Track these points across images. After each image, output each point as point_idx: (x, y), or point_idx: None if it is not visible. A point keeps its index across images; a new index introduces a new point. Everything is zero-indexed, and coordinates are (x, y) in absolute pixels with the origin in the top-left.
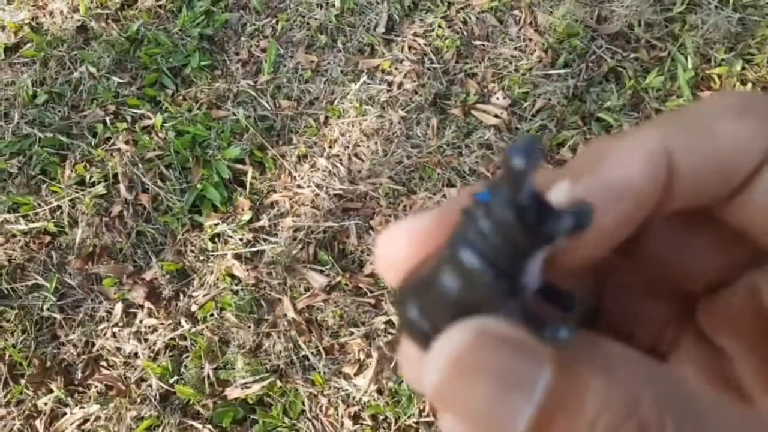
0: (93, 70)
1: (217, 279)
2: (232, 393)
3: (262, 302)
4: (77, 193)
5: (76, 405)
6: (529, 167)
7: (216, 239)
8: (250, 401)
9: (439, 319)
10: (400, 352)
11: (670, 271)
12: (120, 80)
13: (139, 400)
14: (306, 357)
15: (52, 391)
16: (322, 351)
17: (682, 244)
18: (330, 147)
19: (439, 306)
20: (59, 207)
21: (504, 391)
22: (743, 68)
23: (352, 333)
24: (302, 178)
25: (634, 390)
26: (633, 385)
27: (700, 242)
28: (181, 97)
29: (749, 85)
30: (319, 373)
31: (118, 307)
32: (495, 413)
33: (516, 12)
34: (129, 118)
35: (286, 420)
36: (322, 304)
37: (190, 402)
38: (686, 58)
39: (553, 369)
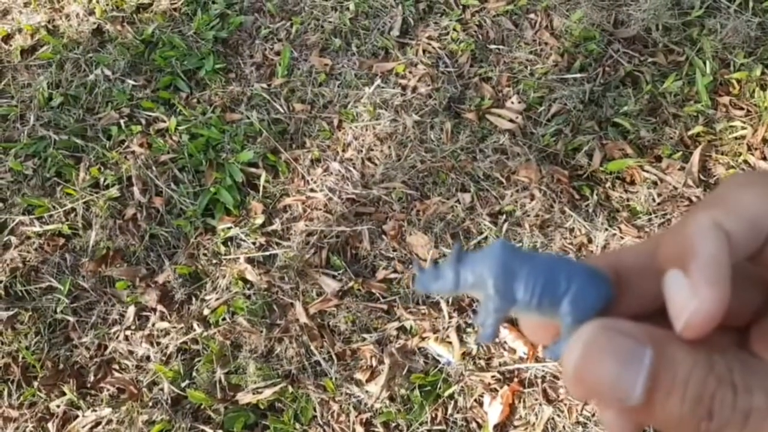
0: (108, 72)
1: (230, 283)
2: (244, 398)
3: (275, 307)
4: (91, 195)
5: (89, 408)
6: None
7: (229, 243)
8: (262, 406)
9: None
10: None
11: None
12: (134, 83)
13: (150, 404)
14: (318, 362)
15: (64, 394)
16: (334, 357)
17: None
18: (343, 151)
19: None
20: (73, 209)
21: (623, 366)
22: (763, 73)
23: (364, 339)
24: (315, 182)
25: (709, 355)
26: (707, 352)
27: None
28: (195, 100)
29: None
30: (331, 379)
31: (131, 310)
32: (619, 383)
33: (532, 15)
34: (143, 121)
35: (297, 426)
36: (335, 309)
37: (202, 406)
38: (704, 63)
39: (653, 347)
